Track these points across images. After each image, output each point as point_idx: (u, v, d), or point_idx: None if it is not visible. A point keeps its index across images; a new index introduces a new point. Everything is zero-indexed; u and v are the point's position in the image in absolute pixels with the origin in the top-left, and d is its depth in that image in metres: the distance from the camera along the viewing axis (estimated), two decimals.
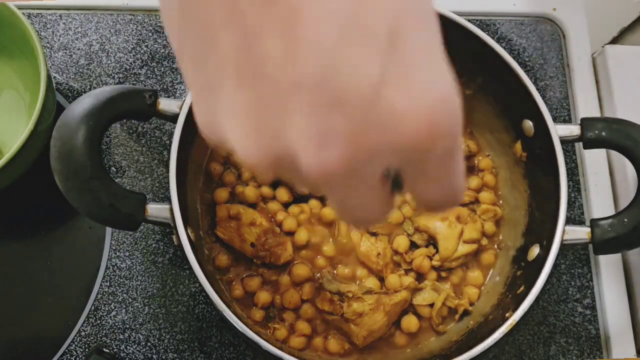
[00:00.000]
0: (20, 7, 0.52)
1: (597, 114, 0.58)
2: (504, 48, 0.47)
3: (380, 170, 0.19)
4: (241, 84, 0.18)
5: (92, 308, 0.50)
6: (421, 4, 0.18)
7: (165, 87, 0.58)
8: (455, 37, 0.48)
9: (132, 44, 0.59)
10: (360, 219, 0.22)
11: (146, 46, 0.59)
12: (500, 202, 0.52)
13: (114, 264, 0.52)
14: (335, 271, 0.48)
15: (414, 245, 0.49)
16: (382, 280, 0.48)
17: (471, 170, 0.53)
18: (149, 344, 0.49)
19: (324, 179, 0.18)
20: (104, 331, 0.50)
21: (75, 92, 0.57)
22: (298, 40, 0.16)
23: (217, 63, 0.18)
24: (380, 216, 0.22)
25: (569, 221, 0.44)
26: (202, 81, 0.19)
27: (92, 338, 0.49)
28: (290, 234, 0.49)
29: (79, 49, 0.59)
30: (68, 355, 0.49)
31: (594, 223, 0.44)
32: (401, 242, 0.48)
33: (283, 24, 0.16)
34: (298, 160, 0.18)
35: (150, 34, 0.60)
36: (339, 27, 0.16)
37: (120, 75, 0.58)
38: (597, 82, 0.60)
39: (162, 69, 0.59)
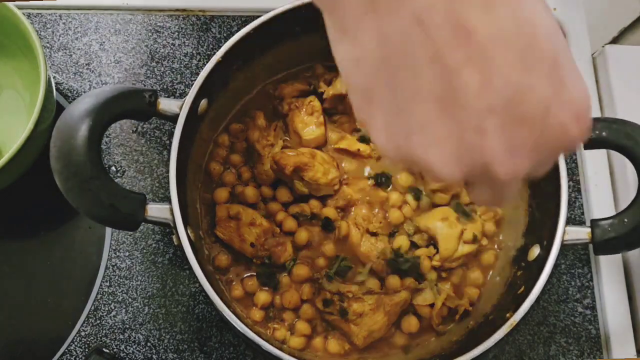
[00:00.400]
0: (20, 7, 0.52)
1: (597, 114, 0.58)
2: None
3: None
4: (442, 111, 0.21)
5: (92, 308, 0.50)
6: (560, 33, 0.23)
7: (165, 87, 0.58)
8: None
9: (132, 44, 0.59)
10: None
11: (146, 46, 0.59)
12: None
13: (113, 264, 0.52)
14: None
15: (414, 246, 0.49)
16: (382, 280, 0.48)
17: None
18: (148, 344, 0.49)
19: (515, 180, 0.23)
20: (104, 331, 0.50)
21: (75, 92, 0.57)
22: (490, 70, 0.21)
23: (419, 95, 0.22)
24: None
25: (569, 221, 0.44)
26: (397, 112, 0.23)
27: (92, 338, 0.49)
28: (290, 234, 0.49)
29: (78, 49, 0.59)
30: (68, 355, 0.49)
31: (594, 223, 0.44)
32: (401, 242, 0.48)
33: (476, 58, 0.21)
34: (493, 171, 0.22)
35: (150, 34, 0.60)
36: (519, 57, 0.21)
37: (120, 75, 0.58)
38: (597, 82, 0.60)
39: (162, 68, 0.59)
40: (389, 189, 0.50)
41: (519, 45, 0.21)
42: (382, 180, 0.50)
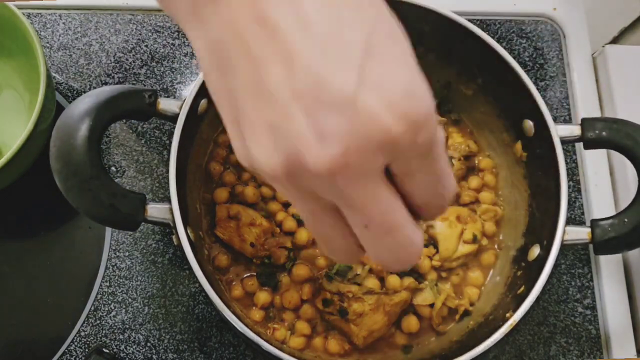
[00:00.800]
0: (20, 7, 0.52)
1: (597, 114, 0.58)
2: (504, 48, 0.47)
3: (379, 171, 0.23)
4: (258, 105, 0.22)
5: (92, 308, 0.50)
6: (388, 22, 0.23)
7: (165, 87, 0.58)
8: (455, 37, 0.49)
9: (132, 44, 0.59)
10: (389, 245, 0.25)
11: (146, 46, 0.59)
12: (501, 201, 0.52)
13: (113, 264, 0.52)
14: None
15: None
16: (382, 280, 0.48)
17: (471, 170, 0.53)
18: (148, 344, 0.49)
19: (329, 173, 0.22)
20: (104, 331, 0.50)
21: (74, 92, 0.57)
22: (292, 62, 0.21)
23: (241, 95, 0.23)
24: (409, 236, 0.25)
25: (569, 221, 0.44)
26: (234, 114, 0.24)
27: (91, 338, 0.49)
28: (290, 234, 0.49)
29: (78, 49, 0.59)
30: (68, 355, 0.49)
31: (594, 223, 0.44)
32: None
33: (280, 52, 0.22)
34: (303, 157, 0.22)
35: (150, 34, 0.60)
36: (321, 48, 0.21)
37: (120, 75, 0.58)
38: (597, 82, 0.60)
39: (162, 68, 0.59)
40: None
41: (321, 34, 0.21)
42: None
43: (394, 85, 0.22)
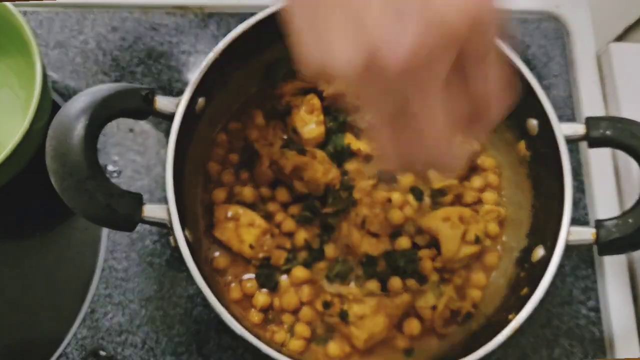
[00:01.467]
0: (16, 5, 0.52)
1: (601, 113, 0.58)
2: (507, 46, 0.47)
3: (441, 77, 0.25)
4: (340, 7, 0.24)
5: (88, 310, 0.50)
6: None
7: (162, 85, 0.57)
8: None
9: (129, 42, 0.59)
10: (433, 142, 0.28)
11: (143, 44, 0.59)
12: (504, 202, 0.51)
13: (110, 265, 0.51)
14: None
15: (415, 247, 0.48)
16: (383, 282, 0.47)
17: (474, 170, 0.52)
18: (145, 346, 0.49)
19: (406, 65, 0.23)
20: (101, 334, 0.49)
21: (71, 91, 0.57)
22: None
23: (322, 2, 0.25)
24: (446, 147, 0.28)
25: (573, 222, 0.43)
26: (312, 17, 0.26)
27: (88, 341, 0.49)
28: (289, 235, 0.48)
29: (74, 47, 0.59)
30: (64, 357, 0.48)
31: (598, 224, 0.44)
32: (403, 244, 0.48)
33: None
34: (382, 49, 0.24)
35: (147, 32, 0.59)
36: None
37: (117, 74, 0.58)
38: (601, 80, 0.59)
39: (159, 67, 0.58)
40: (394, 185, 0.50)
41: None
42: (387, 178, 0.50)
43: None
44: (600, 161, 0.56)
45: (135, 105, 0.43)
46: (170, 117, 0.44)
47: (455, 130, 0.28)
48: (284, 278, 0.47)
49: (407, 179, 0.51)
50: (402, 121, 0.27)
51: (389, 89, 0.25)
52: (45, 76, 0.49)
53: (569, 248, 0.43)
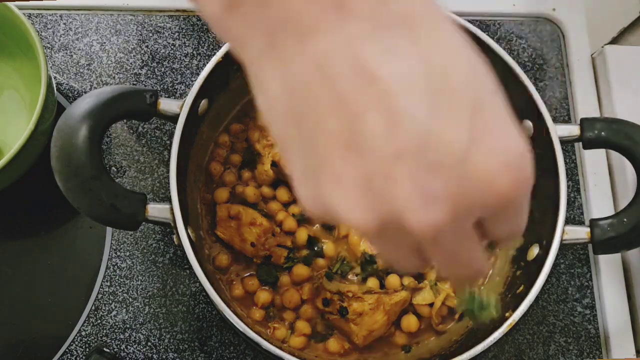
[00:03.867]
0: (20, 7, 0.52)
1: (596, 114, 0.58)
2: (504, 48, 0.47)
3: (473, 221, 0.22)
4: (349, 158, 0.20)
5: (93, 308, 0.50)
6: (491, 79, 0.21)
7: (165, 87, 0.58)
8: None
9: (133, 44, 0.59)
10: (466, 273, 0.25)
11: (147, 46, 0.59)
12: None
13: (114, 263, 0.52)
14: None
15: None
16: (381, 279, 0.48)
17: None
18: (149, 343, 0.49)
19: (432, 234, 0.21)
20: (105, 331, 0.50)
21: (75, 93, 0.57)
22: (396, 114, 0.19)
23: (325, 143, 0.20)
24: (481, 267, 0.25)
25: (568, 221, 0.44)
26: (308, 162, 0.21)
27: (92, 338, 0.49)
28: (291, 233, 0.49)
29: (79, 49, 0.59)
30: (68, 355, 0.49)
31: (593, 223, 0.44)
32: None
33: (381, 102, 0.19)
34: (406, 220, 0.20)
35: (150, 34, 0.60)
36: (429, 101, 0.19)
37: (121, 76, 0.58)
38: (596, 82, 0.60)
39: (163, 69, 0.59)
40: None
41: (429, 88, 0.19)
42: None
43: (508, 146, 0.20)
44: (594, 161, 0.57)
45: (139, 107, 0.43)
46: (173, 119, 0.44)
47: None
48: (285, 276, 0.48)
49: None
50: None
51: (408, 243, 0.22)
52: (50, 78, 0.50)
53: (564, 247, 0.43)
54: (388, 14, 0.19)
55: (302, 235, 0.48)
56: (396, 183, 0.20)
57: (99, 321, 0.50)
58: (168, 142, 0.55)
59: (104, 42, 0.59)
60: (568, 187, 0.45)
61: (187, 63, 0.59)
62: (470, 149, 0.20)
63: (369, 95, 0.19)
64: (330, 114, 0.20)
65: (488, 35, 0.47)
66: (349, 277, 0.48)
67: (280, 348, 0.40)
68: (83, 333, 0.49)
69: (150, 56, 0.59)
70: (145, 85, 0.58)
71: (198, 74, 0.45)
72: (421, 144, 0.19)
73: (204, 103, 0.46)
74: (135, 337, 0.50)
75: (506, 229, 0.24)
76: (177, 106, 0.44)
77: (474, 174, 0.20)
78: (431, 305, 0.47)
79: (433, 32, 0.20)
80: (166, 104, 0.44)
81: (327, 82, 0.20)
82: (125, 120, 0.56)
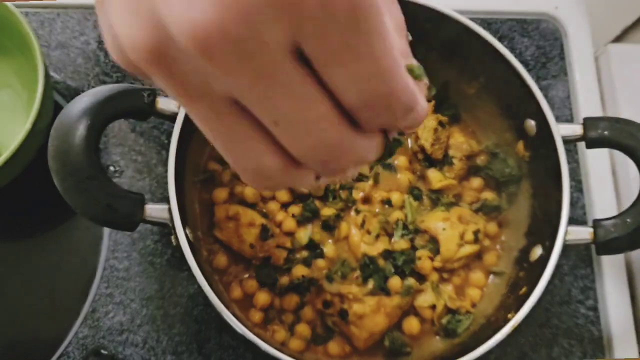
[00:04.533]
0: (17, 6, 0.52)
1: (599, 114, 0.58)
2: (506, 47, 0.47)
3: (280, 48, 0.16)
4: None
5: (90, 309, 0.50)
6: None
7: None
8: (457, 36, 0.48)
9: None
10: (307, 142, 0.18)
11: None
12: (503, 202, 0.51)
13: (111, 264, 0.51)
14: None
15: (414, 247, 0.48)
16: (383, 281, 0.47)
17: (473, 170, 0.52)
18: (147, 345, 0.49)
19: (203, 50, 0.16)
20: (102, 333, 0.49)
21: (72, 91, 0.57)
22: None
23: None
24: (327, 144, 0.18)
25: (571, 221, 0.43)
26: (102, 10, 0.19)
27: (89, 340, 0.49)
28: (290, 234, 0.48)
29: (76, 48, 0.59)
30: (65, 357, 0.48)
31: (596, 223, 0.44)
32: (402, 244, 0.48)
33: None
34: (169, 30, 0.16)
35: None
36: None
37: (118, 74, 0.58)
38: (599, 81, 0.60)
39: None
40: (396, 175, 0.50)
41: None
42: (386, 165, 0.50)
43: None
44: (598, 161, 0.56)
45: (136, 105, 0.43)
46: (171, 118, 0.44)
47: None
48: (284, 277, 0.47)
49: (405, 178, 0.51)
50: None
51: (209, 73, 0.17)
52: (47, 77, 0.49)
53: (567, 248, 0.43)
54: None
55: (302, 236, 0.48)
56: None
57: (96, 323, 0.49)
58: (166, 141, 0.55)
59: (102, 40, 0.59)
60: (571, 187, 0.44)
61: None
62: None
63: None
64: None
65: (490, 33, 0.47)
66: (350, 278, 0.48)
67: (279, 350, 0.39)
68: (80, 335, 0.49)
69: None
70: (143, 84, 0.57)
71: None
72: None
73: None
74: (132, 339, 0.49)
75: (351, 81, 0.17)
76: (175, 105, 0.44)
77: None
78: (433, 307, 0.46)
79: None
80: (164, 103, 0.44)
81: None
82: (123, 120, 0.55)
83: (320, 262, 0.48)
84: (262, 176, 0.20)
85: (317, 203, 0.49)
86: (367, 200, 0.50)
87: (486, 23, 0.61)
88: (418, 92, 0.19)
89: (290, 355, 0.39)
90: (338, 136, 0.18)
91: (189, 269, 0.40)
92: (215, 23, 0.16)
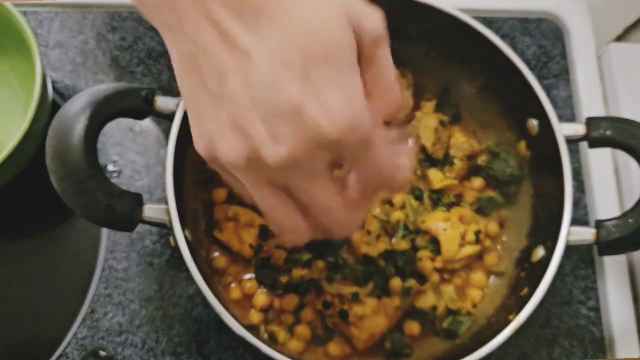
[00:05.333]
0: (16, 5, 0.52)
1: (601, 113, 0.58)
2: (507, 46, 0.47)
3: (321, 165, 0.28)
4: (219, 106, 0.28)
5: (88, 310, 0.50)
6: (323, 46, 0.27)
7: (162, 85, 0.57)
8: (458, 34, 0.48)
9: (129, 42, 0.59)
10: (327, 218, 0.31)
11: (143, 44, 0.59)
12: (504, 202, 0.51)
13: (110, 265, 0.51)
14: None
15: (415, 248, 0.48)
16: (383, 282, 0.47)
17: (474, 170, 0.52)
18: (145, 346, 0.49)
19: (282, 165, 0.27)
20: (100, 333, 0.49)
21: (70, 91, 0.57)
22: (249, 75, 0.27)
23: (205, 96, 0.28)
24: (347, 218, 0.31)
25: (573, 222, 0.43)
26: (196, 111, 0.29)
27: (88, 340, 0.49)
28: None
29: (74, 47, 0.58)
30: (64, 358, 0.48)
31: (598, 224, 0.44)
32: (403, 244, 0.48)
33: (239, 66, 0.27)
34: (261, 153, 0.27)
35: (147, 32, 0.59)
36: (275, 68, 0.26)
37: (117, 73, 0.58)
38: (601, 80, 0.59)
39: (159, 66, 0.58)
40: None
41: (276, 57, 0.26)
42: None
43: (334, 103, 0.26)
44: (600, 161, 0.56)
45: (135, 105, 0.43)
46: (170, 117, 0.44)
47: (361, 200, 0.31)
48: (284, 278, 0.47)
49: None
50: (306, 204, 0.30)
51: (271, 176, 0.29)
52: (45, 76, 0.49)
53: (569, 248, 0.43)
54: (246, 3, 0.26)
55: None
56: (252, 124, 0.27)
57: (94, 324, 0.49)
58: (165, 141, 0.55)
59: (100, 40, 0.59)
60: (573, 187, 0.44)
61: None
62: (303, 102, 0.26)
63: (233, 61, 0.27)
64: (207, 74, 0.27)
65: (491, 32, 0.47)
66: (350, 279, 0.47)
67: (279, 352, 0.39)
68: (79, 336, 0.49)
69: (147, 53, 0.58)
70: (142, 83, 0.57)
71: None
72: (267, 96, 0.26)
73: None
74: (131, 340, 0.49)
75: (367, 173, 0.30)
76: (173, 104, 0.44)
77: (307, 122, 0.26)
78: (434, 308, 0.46)
79: (281, 17, 0.26)
80: (163, 102, 0.43)
81: (202, 49, 0.27)
82: (121, 119, 0.55)
83: (320, 263, 0.47)
84: (293, 234, 0.32)
85: None
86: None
87: (487, 22, 0.61)
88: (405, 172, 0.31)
89: (289, 357, 0.39)
90: (344, 213, 0.31)
91: (187, 269, 0.40)
92: (291, 157, 0.27)
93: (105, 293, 0.50)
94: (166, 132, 0.55)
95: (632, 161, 0.45)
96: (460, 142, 0.51)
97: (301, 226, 0.31)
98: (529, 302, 0.41)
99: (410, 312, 0.47)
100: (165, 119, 0.44)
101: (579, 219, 0.54)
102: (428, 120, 0.51)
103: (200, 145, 0.29)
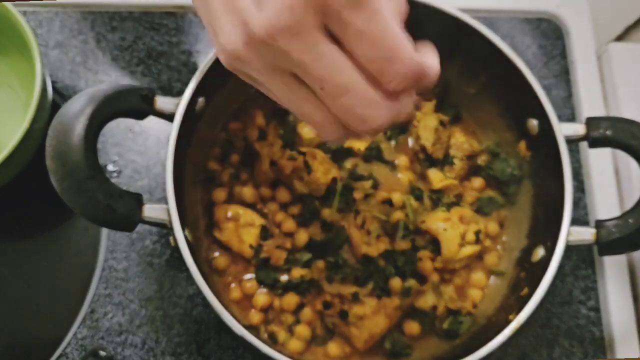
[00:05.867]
0: (16, 5, 0.52)
1: (601, 113, 0.58)
2: (507, 46, 0.47)
3: (316, 29, 0.26)
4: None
5: (88, 310, 0.50)
6: None
7: (162, 85, 0.57)
8: (458, 34, 0.48)
9: (129, 42, 0.59)
10: (340, 99, 0.28)
11: (143, 44, 0.59)
12: (504, 202, 0.51)
13: (110, 265, 0.51)
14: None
15: (415, 248, 0.48)
16: (383, 282, 0.47)
17: (474, 169, 0.52)
18: (145, 346, 0.49)
19: (272, 37, 0.26)
20: (100, 333, 0.49)
21: (70, 91, 0.57)
22: None
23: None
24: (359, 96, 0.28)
25: (573, 222, 0.43)
26: (207, 20, 0.30)
27: (88, 340, 0.49)
28: (290, 235, 0.48)
29: (74, 47, 0.58)
30: (64, 358, 0.48)
31: (599, 224, 0.44)
32: (403, 244, 0.48)
33: None
34: (251, 24, 0.26)
35: (147, 32, 0.59)
36: None
37: (117, 74, 0.58)
38: (601, 80, 0.59)
39: (159, 67, 0.58)
40: (397, 175, 0.50)
41: None
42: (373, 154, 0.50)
43: None
44: (600, 161, 0.56)
45: (135, 105, 0.43)
46: (170, 117, 0.43)
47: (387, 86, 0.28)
48: (284, 278, 0.47)
49: (406, 178, 0.50)
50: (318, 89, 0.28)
51: (277, 54, 0.27)
52: (45, 76, 0.49)
53: (569, 248, 0.43)
54: None
55: (302, 236, 0.48)
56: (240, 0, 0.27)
57: (94, 324, 0.49)
58: (164, 141, 0.55)
59: (100, 40, 0.59)
60: (573, 187, 0.44)
61: (184, 61, 0.58)
62: None
63: None
64: None
65: (491, 32, 0.47)
66: (350, 279, 0.47)
67: (279, 352, 0.39)
68: (79, 336, 0.49)
69: (147, 54, 0.58)
70: (142, 83, 0.57)
71: (195, 72, 0.45)
72: None
73: (201, 101, 0.46)
74: (131, 340, 0.49)
75: (365, 46, 0.26)
76: (173, 104, 0.43)
77: None
78: (434, 308, 0.46)
79: None
80: (163, 102, 0.43)
81: None
82: (121, 119, 0.55)
83: (320, 263, 0.47)
84: (324, 129, 0.30)
85: (317, 203, 0.49)
86: (367, 200, 0.49)
87: (487, 22, 0.61)
88: (420, 55, 0.29)
89: (289, 357, 0.39)
90: (366, 96, 0.28)
91: (187, 269, 0.40)
92: (278, 20, 0.26)
93: (105, 293, 0.50)
94: (166, 133, 0.55)
95: (632, 161, 0.45)
96: (460, 142, 0.51)
97: (328, 117, 0.29)
98: (529, 302, 0.41)
99: (410, 312, 0.47)
100: (165, 119, 0.44)
101: (579, 219, 0.54)
102: (428, 120, 0.51)
103: (217, 50, 0.30)
